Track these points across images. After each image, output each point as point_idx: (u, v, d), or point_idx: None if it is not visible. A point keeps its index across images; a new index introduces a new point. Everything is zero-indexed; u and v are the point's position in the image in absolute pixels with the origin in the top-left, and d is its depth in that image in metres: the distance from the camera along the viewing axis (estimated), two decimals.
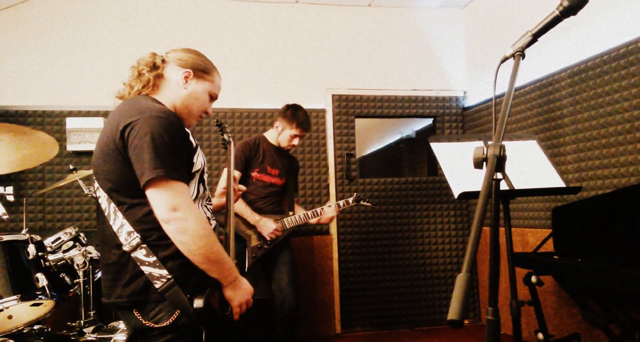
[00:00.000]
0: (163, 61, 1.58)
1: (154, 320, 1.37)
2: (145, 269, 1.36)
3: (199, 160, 1.49)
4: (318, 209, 3.01)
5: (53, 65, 3.71)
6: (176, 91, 1.57)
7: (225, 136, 2.21)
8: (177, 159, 1.37)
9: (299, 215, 2.97)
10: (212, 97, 1.66)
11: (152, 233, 1.38)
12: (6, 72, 3.65)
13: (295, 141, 3.01)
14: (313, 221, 3.00)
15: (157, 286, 1.36)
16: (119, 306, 1.43)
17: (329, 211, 3.00)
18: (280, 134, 3.01)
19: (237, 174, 2.87)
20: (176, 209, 1.31)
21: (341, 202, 3.08)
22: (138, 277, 1.38)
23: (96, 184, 1.47)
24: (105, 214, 1.43)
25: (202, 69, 1.60)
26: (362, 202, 3.12)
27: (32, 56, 3.68)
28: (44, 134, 2.62)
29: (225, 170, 2.81)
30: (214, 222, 1.58)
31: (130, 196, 1.39)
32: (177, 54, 1.60)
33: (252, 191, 2.95)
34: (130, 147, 1.35)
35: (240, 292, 1.47)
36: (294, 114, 2.97)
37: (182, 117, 1.59)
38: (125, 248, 1.37)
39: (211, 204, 1.63)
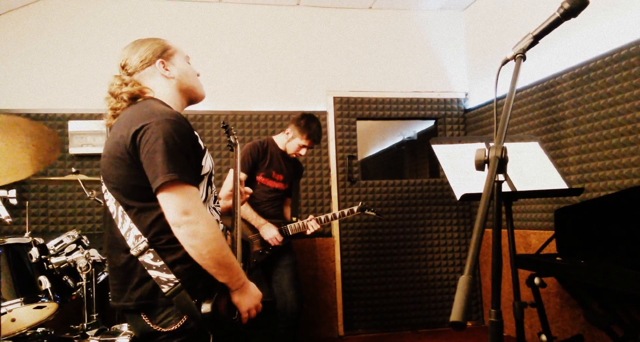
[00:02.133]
0: (129, 74, 1.54)
1: (162, 324, 1.37)
2: (153, 273, 1.36)
3: (208, 163, 1.49)
4: (322, 217, 3.00)
5: (54, 67, 3.72)
6: (168, 84, 1.55)
7: (232, 138, 2.20)
8: (189, 162, 1.37)
9: (303, 222, 2.96)
10: (188, 60, 1.64)
11: (161, 237, 1.37)
12: (8, 75, 3.66)
13: (303, 151, 2.99)
14: (308, 232, 2.98)
15: (164, 290, 1.35)
16: (126, 310, 1.43)
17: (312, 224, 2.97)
18: (289, 141, 3.00)
19: (242, 176, 2.87)
20: (188, 213, 1.31)
21: (346, 211, 3.06)
22: (146, 281, 1.37)
23: (104, 187, 1.47)
24: (113, 217, 1.43)
25: (163, 50, 1.56)
26: (366, 212, 3.10)
27: (34, 59, 3.70)
28: (45, 128, 2.56)
29: (231, 171, 2.82)
30: (221, 225, 1.58)
31: (139, 199, 1.39)
32: (133, 59, 1.54)
33: (255, 194, 2.95)
34: (142, 151, 1.35)
35: (248, 297, 1.47)
36: (307, 124, 2.95)
37: (191, 97, 1.61)
38: (133, 252, 1.37)
39: (219, 206, 1.62)
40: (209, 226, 1.34)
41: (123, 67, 1.56)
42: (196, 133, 1.47)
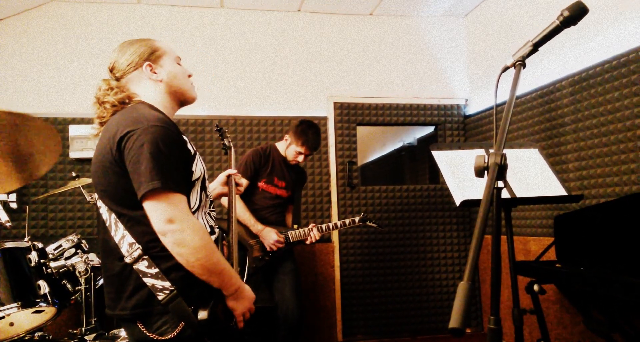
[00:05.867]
0: (117, 78, 1.51)
1: (158, 332, 1.34)
2: (148, 281, 1.34)
3: (199, 167, 1.46)
4: (323, 226, 3.00)
5: (55, 71, 3.73)
6: (156, 87, 1.51)
7: (226, 141, 2.21)
8: (175, 170, 1.34)
9: (304, 230, 2.95)
10: (178, 61, 1.60)
11: (155, 245, 1.35)
12: (9, 79, 3.67)
13: (300, 158, 2.98)
14: (308, 241, 2.97)
15: (160, 297, 1.33)
16: (122, 319, 1.41)
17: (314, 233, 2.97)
18: (287, 147, 2.99)
19: (244, 182, 2.86)
20: (172, 221, 1.29)
21: (347, 221, 3.06)
22: (141, 289, 1.35)
23: (96, 195, 1.45)
24: (107, 225, 1.41)
25: (151, 52, 1.52)
26: (368, 223, 3.09)
27: (35, 63, 3.71)
28: (44, 124, 2.49)
29: (223, 172, 2.81)
30: (217, 230, 1.57)
31: (130, 207, 1.36)
32: (120, 62, 1.51)
33: (256, 200, 2.95)
34: (127, 158, 1.32)
35: (243, 302, 1.45)
36: (304, 131, 2.94)
37: (181, 99, 1.57)
38: (127, 260, 1.35)
39: (214, 211, 1.60)
40: (195, 233, 1.31)
41: (111, 71, 1.53)
42: (185, 138, 1.44)
